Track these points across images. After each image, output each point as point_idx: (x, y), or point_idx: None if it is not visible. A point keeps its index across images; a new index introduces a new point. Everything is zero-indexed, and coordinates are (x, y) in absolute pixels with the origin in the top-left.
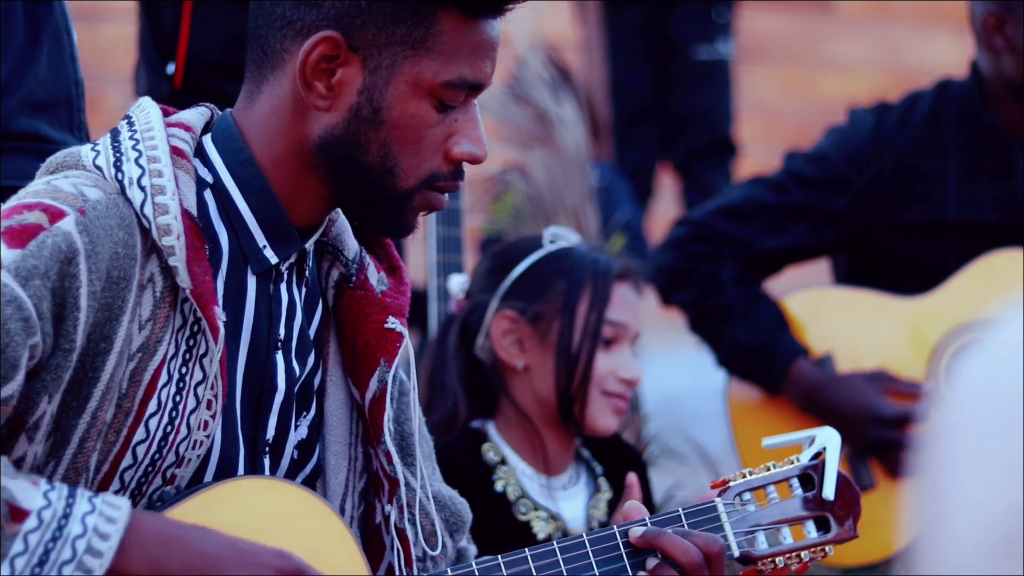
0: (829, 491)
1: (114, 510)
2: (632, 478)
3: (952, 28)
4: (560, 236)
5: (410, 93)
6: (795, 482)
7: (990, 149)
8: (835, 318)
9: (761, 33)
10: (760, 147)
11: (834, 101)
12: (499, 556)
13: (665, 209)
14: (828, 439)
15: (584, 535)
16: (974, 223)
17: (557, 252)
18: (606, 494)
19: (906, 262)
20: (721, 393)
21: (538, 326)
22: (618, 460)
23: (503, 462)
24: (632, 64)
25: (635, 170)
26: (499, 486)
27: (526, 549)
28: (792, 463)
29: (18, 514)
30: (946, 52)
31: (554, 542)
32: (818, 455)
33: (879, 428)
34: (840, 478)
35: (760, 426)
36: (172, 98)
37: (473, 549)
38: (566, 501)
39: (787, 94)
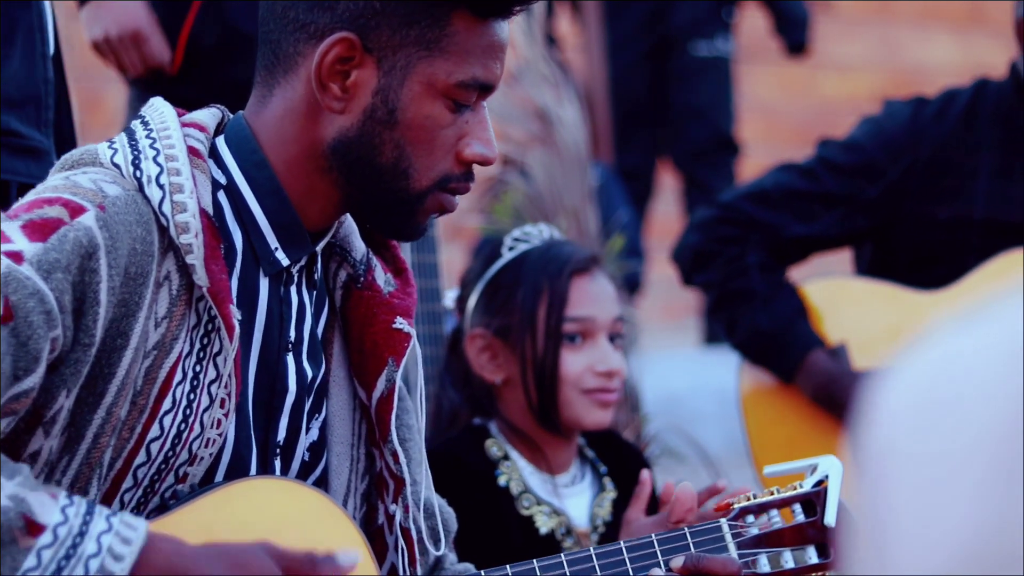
0: (831, 518)
1: (131, 531)
2: (645, 475)
3: (952, 28)
4: (521, 240)
5: (424, 93)
6: (797, 507)
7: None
8: (851, 308)
9: (761, 33)
10: (760, 147)
11: (834, 101)
12: (507, 567)
13: (665, 209)
14: (830, 467)
15: (591, 549)
16: (1001, 221)
17: (512, 261)
18: (611, 493)
19: (928, 256)
20: (734, 383)
21: (507, 339)
22: (622, 460)
23: (506, 457)
24: (632, 63)
25: (635, 170)
26: (502, 480)
27: (534, 560)
28: (795, 489)
29: (34, 528)
30: (946, 52)
31: (562, 555)
32: (820, 483)
33: None
34: (842, 506)
35: (771, 414)
36: (167, 83)
37: (453, 556)
38: (570, 499)
39: (787, 94)
